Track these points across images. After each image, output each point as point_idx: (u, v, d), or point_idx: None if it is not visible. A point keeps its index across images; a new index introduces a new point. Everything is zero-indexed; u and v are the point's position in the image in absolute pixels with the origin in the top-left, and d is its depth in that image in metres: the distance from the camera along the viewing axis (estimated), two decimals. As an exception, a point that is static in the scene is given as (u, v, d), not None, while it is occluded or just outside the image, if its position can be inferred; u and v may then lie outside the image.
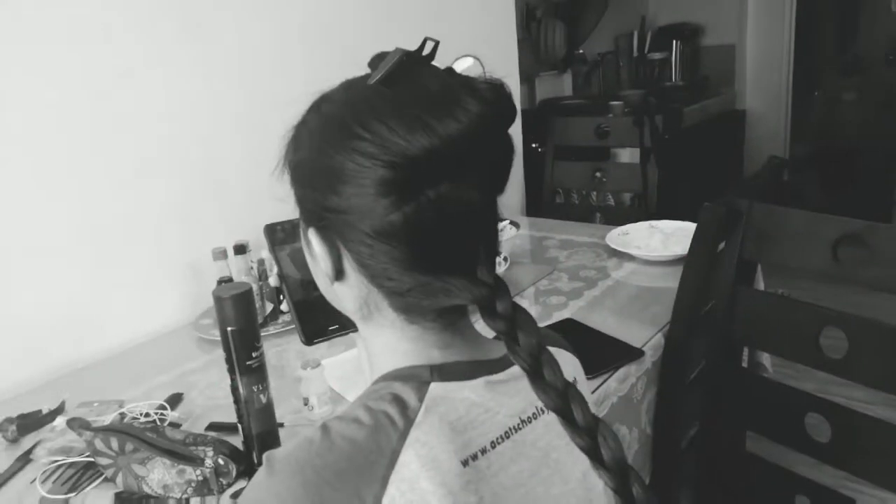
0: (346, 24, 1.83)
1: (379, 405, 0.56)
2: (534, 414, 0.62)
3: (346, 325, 0.71)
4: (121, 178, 1.44)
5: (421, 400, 0.57)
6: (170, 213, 1.53)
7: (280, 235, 0.90)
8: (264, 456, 0.55)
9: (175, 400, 1.19)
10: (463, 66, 0.57)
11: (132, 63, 1.44)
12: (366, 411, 0.56)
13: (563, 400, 0.52)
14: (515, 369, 0.63)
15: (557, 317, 1.37)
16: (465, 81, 0.56)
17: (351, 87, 0.59)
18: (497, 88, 0.56)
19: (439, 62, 0.58)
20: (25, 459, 1.03)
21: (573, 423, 0.51)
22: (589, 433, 0.51)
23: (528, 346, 0.53)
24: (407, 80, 0.56)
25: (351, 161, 0.53)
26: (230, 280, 1.46)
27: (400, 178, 0.52)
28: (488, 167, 0.57)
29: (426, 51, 0.58)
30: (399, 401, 0.57)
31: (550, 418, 0.63)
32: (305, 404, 1.09)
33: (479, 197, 0.56)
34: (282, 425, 1.05)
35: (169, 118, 1.51)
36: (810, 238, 1.11)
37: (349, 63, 0.63)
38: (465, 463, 0.55)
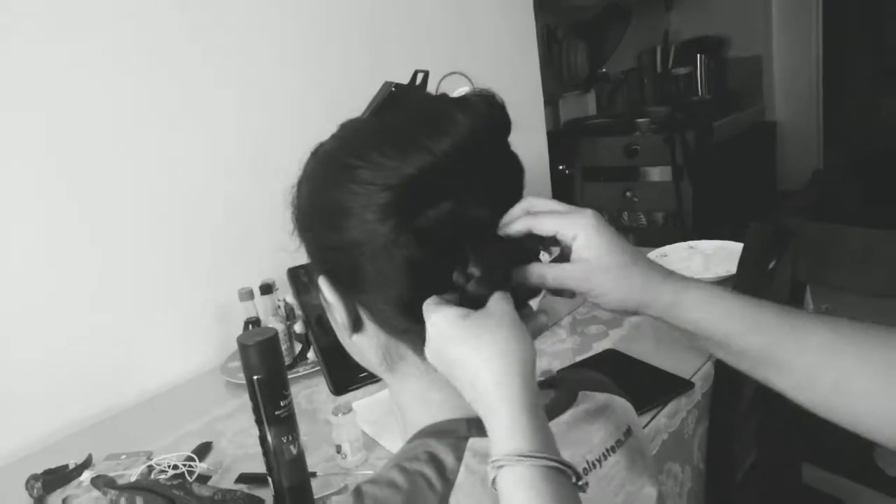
0: (368, 55, 1.81)
1: (414, 465, 0.52)
2: (585, 469, 0.56)
3: (376, 372, 0.67)
4: (145, 222, 1.42)
5: (459, 458, 0.53)
6: (195, 255, 1.50)
7: (304, 279, 0.86)
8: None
9: (204, 450, 1.14)
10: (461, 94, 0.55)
11: (164, 105, 1.43)
12: (401, 473, 0.52)
13: None
14: (562, 419, 0.58)
15: (598, 348, 1.30)
16: (455, 100, 0.54)
17: (345, 126, 0.58)
18: (487, 99, 0.54)
19: (466, 87, 0.57)
20: (51, 519, 1.00)
21: None
22: None
23: None
24: (398, 109, 0.54)
25: (348, 192, 0.51)
26: (257, 321, 1.42)
27: (398, 199, 0.50)
28: (492, 184, 0.53)
29: (417, 82, 0.57)
30: (436, 460, 0.52)
31: (605, 472, 0.58)
32: (338, 452, 1.04)
33: (488, 216, 0.53)
34: (314, 475, 1.00)
35: (197, 160, 1.49)
36: (868, 256, 1.04)
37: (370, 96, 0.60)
38: (513, 529, 0.50)
